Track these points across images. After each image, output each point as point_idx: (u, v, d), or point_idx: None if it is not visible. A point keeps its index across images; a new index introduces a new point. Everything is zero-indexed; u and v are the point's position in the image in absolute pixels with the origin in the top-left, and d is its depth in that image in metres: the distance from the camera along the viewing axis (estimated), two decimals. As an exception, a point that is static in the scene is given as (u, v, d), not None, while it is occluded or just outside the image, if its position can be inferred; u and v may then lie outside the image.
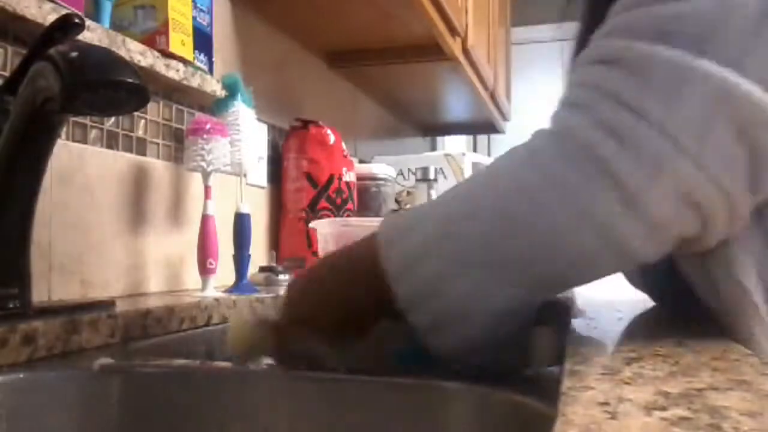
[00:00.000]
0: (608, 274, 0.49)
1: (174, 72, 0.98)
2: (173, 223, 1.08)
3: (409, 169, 1.98)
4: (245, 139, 1.09)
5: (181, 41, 0.99)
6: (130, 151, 0.99)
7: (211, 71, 1.09)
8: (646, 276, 0.67)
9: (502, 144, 3.83)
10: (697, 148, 0.42)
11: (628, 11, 0.47)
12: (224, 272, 1.06)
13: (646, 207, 0.43)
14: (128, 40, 0.89)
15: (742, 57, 0.42)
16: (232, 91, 1.11)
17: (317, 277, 0.59)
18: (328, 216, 1.39)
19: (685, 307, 0.57)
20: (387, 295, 0.49)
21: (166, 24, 0.96)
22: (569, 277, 0.49)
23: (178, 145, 1.09)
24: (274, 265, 1.25)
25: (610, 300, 0.78)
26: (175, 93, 1.08)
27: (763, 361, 0.38)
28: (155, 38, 0.95)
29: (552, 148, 0.46)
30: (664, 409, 0.27)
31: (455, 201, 0.51)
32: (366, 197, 1.62)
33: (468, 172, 2.00)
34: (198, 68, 1.04)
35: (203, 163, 1.01)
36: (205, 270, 1.00)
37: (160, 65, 0.95)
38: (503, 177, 0.49)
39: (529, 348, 0.52)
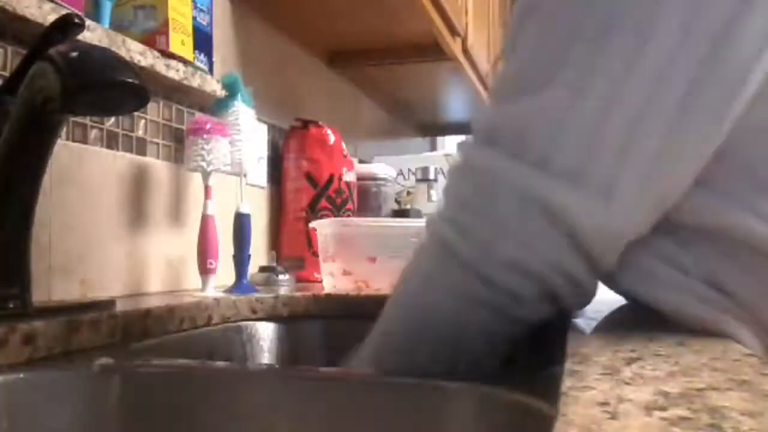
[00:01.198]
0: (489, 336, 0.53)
1: (174, 72, 0.98)
2: (173, 223, 1.08)
3: (409, 169, 1.98)
4: (245, 139, 1.09)
5: (181, 41, 0.99)
6: (130, 151, 0.99)
7: (211, 71, 1.09)
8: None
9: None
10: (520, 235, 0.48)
11: (491, 104, 0.53)
12: (224, 272, 1.06)
13: (491, 277, 0.49)
14: (128, 40, 0.89)
15: (550, 154, 0.46)
16: (232, 91, 1.11)
17: None
18: (328, 216, 1.39)
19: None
20: None
21: (166, 24, 0.96)
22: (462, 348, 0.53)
23: (178, 145, 1.09)
24: (274, 265, 1.25)
25: (610, 300, 0.78)
26: (175, 93, 1.08)
27: (763, 361, 0.38)
28: (155, 38, 0.96)
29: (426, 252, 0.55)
30: (664, 409, 0.27)
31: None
32: (366, 197, 1.62)
33: (468, 172, 2.00)
34: (198, 68, 1.04)
35: (203, 163, 1.01)
36: (205, 270, 1.00)
37: (160, 65, 0.95)
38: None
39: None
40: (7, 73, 0.77)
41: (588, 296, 0.53)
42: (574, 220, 0.46)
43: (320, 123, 1.46)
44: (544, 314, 0.52)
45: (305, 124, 1.45)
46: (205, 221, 1.01)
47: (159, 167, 1.05)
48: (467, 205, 0.50)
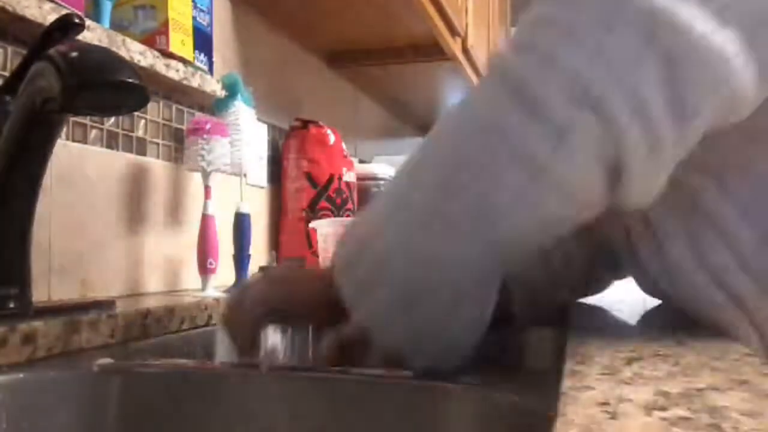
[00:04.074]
0: (556, 219, 0.47)
1: (174, 72, 0.98)
2: (173, 223, 1.08)
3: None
4: (245, 139, 1.09)
5: (181, 41, 0.99)
6: (130, 151, 0.99)
7: (211, 71, 1.09)
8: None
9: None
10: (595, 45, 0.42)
11: None
12: (224, 272, 1.06)
13: (551, 113, 0.43)
14: (128, 40, 0.89)
15: None
16: (232, 91, 1.11)
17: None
18: (328, 216, 1.39)
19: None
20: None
21: (166, 24, 0.96)
22: (517, 226, 0.47)
23: (178, 145, 1.09)
24: (274, 265, 1.25)
25: (610, 300, 0.78)
26: (175, 93, 1.08)
27: (763, 361, 0.38)
28: (155, 38, 0.95)
29: (482, 90, 0.49)
30: (664, 409, 0.27)
31: (401, 179, 0.53)
32: (366, 197, 1.62)
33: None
34: (198, 68, 1.04)
35: (203, 163, 1.00)
36: (205, 270, 1.00)
37: (160, 65, 0.95)
38: (437, 140, 0.50)
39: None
40: (7, 73, 0.77)
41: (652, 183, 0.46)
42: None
43: (320, 123, 1.46)
44: (589, 200, 0.45)
45: (305, 124, 1.45)
46: (205, 221, 1.01)
47: (159, 167, 1.05)
48: (551, 23, 0.45)
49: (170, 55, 0.97)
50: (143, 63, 0.91)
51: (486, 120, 0.46)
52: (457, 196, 0.46)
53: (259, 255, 1.31)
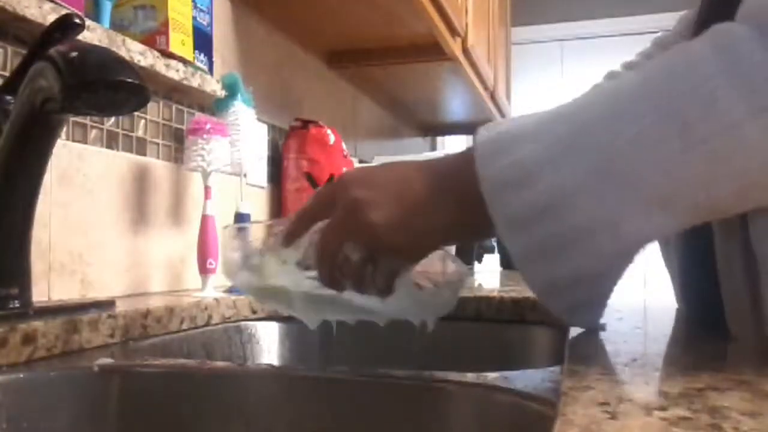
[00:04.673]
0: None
1: (174, 72, 0.98)
2: (173, 223, 1.08)
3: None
4: (245, 139, 1.09)
5: (181, 41, 0.99)
6: (130, 151, 0.99)
7: (211, 71, 1.09)
8: (686, 290, 0.66)
9: (502, 144, 3.83)
10: None
11: None
12: (224, 272, 1.06)
13: None
14: (128, 40, 0.89)
15: None
16: (232, 91, 1.10)
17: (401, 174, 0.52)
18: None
19: (705, 312, 0.56)
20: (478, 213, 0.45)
21: (166, 24, 0.96)
22: (728, 206, 0.43)
23: (178, 145, 1.09)
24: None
25: (609, 300, 0.78)
26: (175, 93, 1.08)
27: (763, 361, 0.38)
28: (155, 38, 0.95)
29: (752, 40, 0.41)
30: (664, 409, 0.27)
31: (587, 105, 0.46)
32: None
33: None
34: (198, 68, 1.04)
35: (203, 163, 1.00)
36: (204, 270, 1.00)
37: (160, 65, 0.95)
38: (670, 73, 0.43)
39: None
40: (7, 73, 0.77)
41: None
42: None
43: (320, 123, 1.46)
44: None
45: (305, 124, 1.45)
46: (205, 221, 1.01)
47: (159, 167, 1.05)
48: None
49: (170, 55, 0.97)
50: (143, 63, 0.91)
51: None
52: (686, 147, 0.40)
53: (259, 255, 1.31)
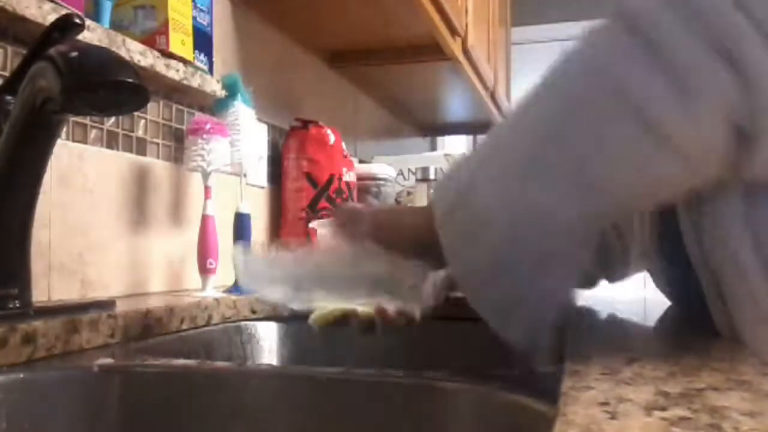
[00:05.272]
0: (666, 183, 0.43)
1: (174, 72, 0.98)
2: (173, 223, 1.08)
3: (409, 169, 1.98)
4: (245, 139, 1.09)
5: (181, 41, 0.99)
6: (130, 151, 0.99)
7: (211, 71, 1.09)
8: (671, 281, 0.66)
9: (502, 144, 3.83)
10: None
11: None
12: (224, 272, 1.06)
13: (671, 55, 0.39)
14: (128, 40, 0.89)
15: None
16: (232, 91, 1.10)
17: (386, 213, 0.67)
18: (328, 216, 1.39)
19: (699, 312, 0.56)
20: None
21: (166, 24, 0.96)
22: (621, 184, 0.43)
23: (178, 145, 1.09)
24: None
25: (610, 300, 0.78)
26: (175, 93, 1.08)
27: (763, 361, 0.38)
28: (155, 38, 0.95)
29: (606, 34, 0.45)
30: (664, 409, 0.27)
31: (504, 123, 0.53)
32: (366, 197, 1.62)
33: (468, 172, 1.99)
34: (198, 68, 1.04)
35: (203, 163, 1.00)
36: (205, 270, 1.00)
37: (160, 65, 0.95)
38: (556, 81, 0.47)
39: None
40: (7, 73, 0.77)
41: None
42: None
43: (320, 123, 1.45)
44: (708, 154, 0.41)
45: (305, 124, 1.45)
46: (205, 221, 1.01)
47: (159, 167, 1.05)
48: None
49: (170, 55, 0.97)
50: (143, 63, 0.91)
51: (601, 64, 0.43)
52: (560, 144, 0.43)
53: (259, 255, 1.31)
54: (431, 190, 0.54)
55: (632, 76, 0.41)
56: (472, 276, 0.49)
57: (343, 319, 0.61)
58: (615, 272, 0.75)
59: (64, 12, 0.74)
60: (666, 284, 0.67)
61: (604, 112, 0.42)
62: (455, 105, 2.45)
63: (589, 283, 0.80)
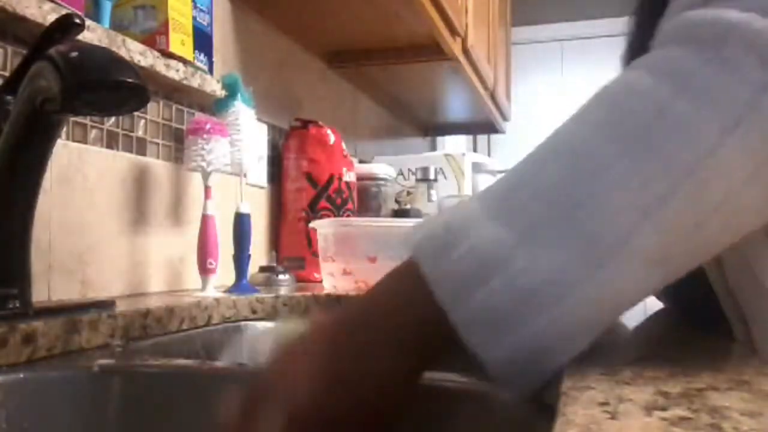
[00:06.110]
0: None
1: (174, 72, 0.98)
2: (173, 223, 1.08)
3: (409, 169, 1.98)
4: (245, 139, 1.09)
5: (181, 41, 0.99)
6: (130, 151, 0.99)
7: (211, 71, 1.09)
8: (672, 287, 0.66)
9: (503, 144, 3.84)
10: None
11: None
12: (224, 272, 1.06)
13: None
14: (128, 40, 0.89)
15: None
16: (232, 91, 1.11)
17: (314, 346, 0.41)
18: (328, 216, 1.39)
19: (701, 315, 0.56)
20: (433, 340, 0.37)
21: (166, 24, 0.96)
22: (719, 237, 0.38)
23: (178, 145, 1.09)
24: (274, 265, 1.25)
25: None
26: (175, 93, 1.08)
27: (763, 361, 0.38)
28: (155, 38, 0.95)
29: (697, 60, 0.37)
30: (664, 409, 0.27)
31: (514, 173, 0.39)
32: (366, 197, 1.62)
33: (468, 172, 2.00)
34: (198, 68, 1.04)
35: (203, 163, 1.00)
36: (205, 270, 1.00)
37: (160, 65, 0.95)
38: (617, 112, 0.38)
39: None
40: (7, 73, 0.77)
41: None
42: None
43: (320, 123, 1.46)
44: None
45: (305, 124, 1.45)
46: (205, 221, 1.01)
47: (159, 167, 1.05)
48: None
49: (170, 55, 0.97)
50: (143, 63, 0.91)
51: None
52: (659, 229, 0.35)
53: (259, 255, 1.31)
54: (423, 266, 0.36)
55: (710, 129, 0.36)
56: (509, 364, 0.36)
57: None
58: None
59: (64, 12, 0.74)
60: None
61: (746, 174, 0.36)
62: (455, 105, 2.45)
63: None
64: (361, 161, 1.79)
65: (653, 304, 0.70)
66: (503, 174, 0.40)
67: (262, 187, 1.40)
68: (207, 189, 1.02)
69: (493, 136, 3.90)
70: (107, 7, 0.90)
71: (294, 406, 0.38)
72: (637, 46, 0.47)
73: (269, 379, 0.41)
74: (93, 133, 0.92)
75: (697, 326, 0.54)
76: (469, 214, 0.38)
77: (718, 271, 0.51)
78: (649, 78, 0.38)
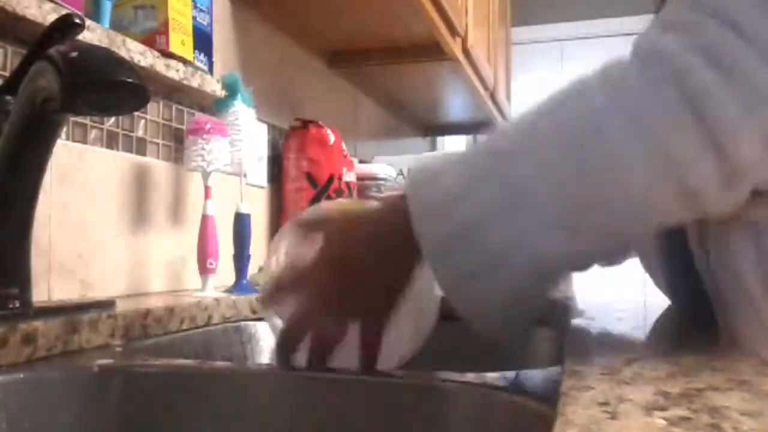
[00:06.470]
0: (671, 221, 0.46)
1: (174, 72, 0.98)
2: (173, 223, 1.08)
3: (409, 169, 1.98)
4: (245, 139, 1.09)
5: (181, 41, 0.99)
6: (130, 151, 0.99)
7: (211, 71, 1.09)
8: (669, 279, 0.66)
9: (502, 144, 3.83)
10: None
11: None
12: (224, 272, 1.06)
13: (733, 149, 0.40)
14: (128, 40, 0.89)
15: None
16: (232, 91, 1.10)
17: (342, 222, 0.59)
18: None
19: (700, 310, 0.57)
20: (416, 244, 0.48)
21: (166, 24, 0.96)
22: (627, 225, 0.45)
23: (178, 145, 1.09)
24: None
25: (609, 301, 0.78)
26: (175, 93, 1.08)
27: (763, 361, 0.38)
28: (155, 38, 0.95)
29: (632, 72, 0.44)
30: (664, 409, 0.27)
31: (502, 137, 0.50)
32: (366, 197, 1.62)
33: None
34: (198, 68, 1.04)
35: (203, 163, 1.00)
36: (205, 270, 1.00)
37: (160, 65, 0.95)
38: (564, 106, 0.46)
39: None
40: (7, 73, 0.77)
41: None
42: None
43: (320, 123, 1.46)
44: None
45: (305, 124, 1.45)
46: (205, 221, 1.01)
47: (159, 167, 1.05)
48: (745, 32, 0.40)
49: (170, 55, 0.97)
50: (143, 63, 0.91)
51: (645, 124, 0.42)
52: (599, 205, 0.43)
53: (259, 255, 1.31)
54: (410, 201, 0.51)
55: (673, 136, 0.41)
56: (479, 306, 0.48)
57: None
58: (611, 261, 0.75)
59: (64, 12, 0.74)
60: (665, 283, 0.67)
61: (646, 176, 0.42)
62: (455, 105, 2.45)
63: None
64: (361, 161, 1.79)
65: (653, 304, 0.70)
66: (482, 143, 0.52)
67: (262, 187, 1.40)
68: (207, 189, 1.02)
69: (493, 136, 3.89)
70: (107, 7, 0.90)
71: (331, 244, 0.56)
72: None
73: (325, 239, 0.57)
74: (93, 133, 0.92)
75: (700, 325, 0.54)
76: (440, 170, 0.50)
77: (701, 250, 0.53)
78: (596, 83, 0.46)
